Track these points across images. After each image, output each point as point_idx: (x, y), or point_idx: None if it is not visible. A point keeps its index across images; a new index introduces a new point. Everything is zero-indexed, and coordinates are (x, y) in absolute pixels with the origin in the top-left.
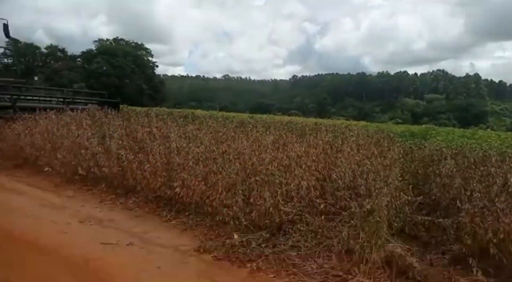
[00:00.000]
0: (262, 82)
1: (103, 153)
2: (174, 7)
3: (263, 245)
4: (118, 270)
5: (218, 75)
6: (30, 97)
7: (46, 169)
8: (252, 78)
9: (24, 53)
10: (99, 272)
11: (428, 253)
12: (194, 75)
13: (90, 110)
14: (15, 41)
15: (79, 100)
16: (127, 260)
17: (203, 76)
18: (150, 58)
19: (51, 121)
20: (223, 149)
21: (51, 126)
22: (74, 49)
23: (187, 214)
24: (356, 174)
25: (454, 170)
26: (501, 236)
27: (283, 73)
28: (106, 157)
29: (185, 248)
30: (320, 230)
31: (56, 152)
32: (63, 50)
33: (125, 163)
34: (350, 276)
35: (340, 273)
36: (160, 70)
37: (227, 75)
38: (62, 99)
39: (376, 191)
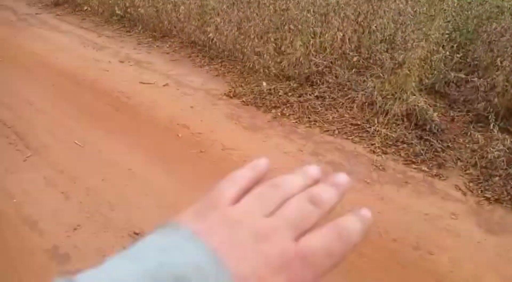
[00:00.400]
0: None
1: None
2: None
3: (290, 94)
4: (156, 107)
5: None
6: None
7: (86, 8)
8: None
9: None
10: (138, 107)
11: (453, 110)
12: None
13: None
14: None
15: None
16: (163, 99)
17: None
18: None
19: None
20: None
21: None
22: None
23: (219, 60)
24: (398, 25)
25: (507, 26)
26: None
27: None
28: None
29: (216, 92)
30: (348, 83)
31: None
32: None
33: (160, 4)
34: (368, 125)
35: (359, 122)
36: None
37: None
38: None
39: (414, 43)
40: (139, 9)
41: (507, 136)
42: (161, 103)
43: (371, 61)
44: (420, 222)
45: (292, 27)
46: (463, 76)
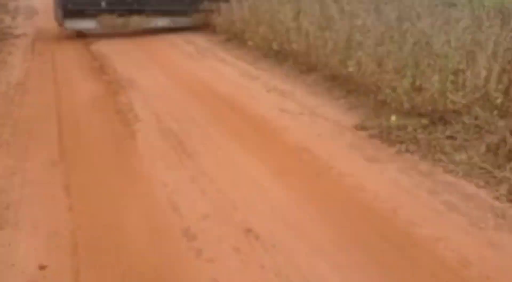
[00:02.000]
0: None
1: (294, 29)
2: None
3: (419, 130)
4: (290, 131)
5: None
6: None
7: (250, 43)
8: None
9: None
10: (272, 130)
11: None
12: None
13: None
14: None
15: None
16: (295, 125)
17: None
18: None
19: None
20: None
21: (258, 2)
22: None
23: (356, 94)
24: None
25: None
26: None
27: None
28: (297, 32)
29: (345, 124)
30: (487, 125)
31: (258, 27)
32: None
33: (311, 40)
34: (497, 171)
35: (488, 166)
36: None
37: None
38: None
39: None
40: (292, 44)
41: None
42: (293, 129)
43: None
44: None
45: (432, 62)
46: None
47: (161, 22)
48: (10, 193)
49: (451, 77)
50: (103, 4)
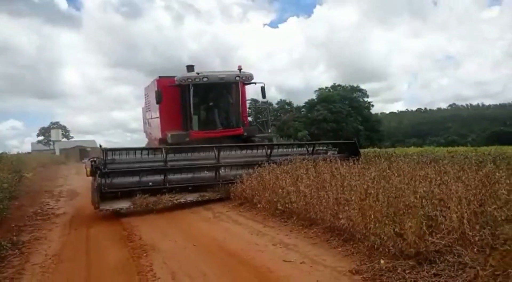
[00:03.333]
0: (500, 106)
1: (294, 191)
2: (389, 42)
3: (407, 271)
4: (290, 279)
5: (443, 105)
6: (281, 149)
7: (259, 205)
8: (486, 103)
9: (261, 110)
10: (277, 279)
11: None
12: (414, 109)
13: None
14: (254, 101)
15: (321, 148)
16: (297, 273)
17: (425, 108)
18: (365, 99)
19: (265, 169)
20: (383, 185)
21: (263, 172)
22: (299, 100)
23: (351, 243)
24: None
25: None
26: None
27: None
28: (297, 194)
29: (342, 269)
30: (470, 261)
31: (264, 192)
32: (290, 103)
33: (308, 199)
34: None
35: None
36: (377, 108)
37: (454, 103)
38: (306, 149)
39: None
40: (294, 204)
41: None
42: (294, 276)
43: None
44: None
45: (410, 211)
46: None
47: (191, 197)
48: None
49: (426, 222)
50: (151, 183)
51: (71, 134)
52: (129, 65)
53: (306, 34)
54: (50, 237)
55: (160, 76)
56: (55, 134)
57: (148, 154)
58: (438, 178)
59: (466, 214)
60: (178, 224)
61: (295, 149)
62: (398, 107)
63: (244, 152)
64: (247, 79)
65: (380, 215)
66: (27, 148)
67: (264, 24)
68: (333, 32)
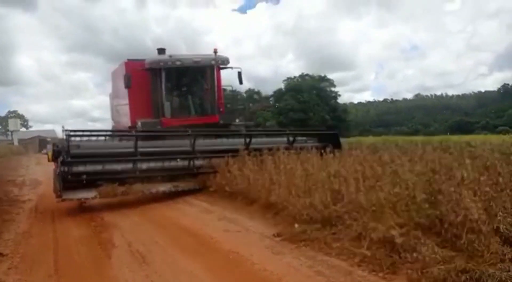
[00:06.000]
0: (462, 97)
1: (239, 175)
2: (356, 31)
3: (314, 232)
4: (228, 243)
5: (408, 95)
6: (261, 139)
7: (211, 189)
8: (450, 93)
9: (230, 99)
10: (218, 244)
11: None
12: (381, 99)
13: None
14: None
15: (302, 138)
16: (232, 239)
17: (391, 99)
18: (332, 89)
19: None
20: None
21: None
22: (268, 89)
23: (281, 215)
24: None
25: None
26: None
27: (490, 83)
28: (241, 178)
29: (268, 234)
30: (361, 222)
31: (215, 177)
32: (258, 92)
33: (250, 181)
34: (357, 250)
35: (352, 248)
36: (345, 98)
37: (419, 94)
38: (287, 139)
39: None
40: (238, 186)
41: None
42: (229, 241)
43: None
44: None
45: (318, 186)
46: None
47: (163, 187)
48: None
49: (332, 195)
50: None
51: (29, 124)
52: (88, 50)
53: (274, 21)
54: (18, 219)
55: (129, 59)
56: (13, 124)
57: (117, 140)
58: (350, 160)
59: (362, 188)
60: (137, 207)
61: (275, 139)
62: (366, 97)
63: (220, 140)
64: (223, 63)
65: (300, 191)
66: None
67: (233, 9)
68: (302, 20)
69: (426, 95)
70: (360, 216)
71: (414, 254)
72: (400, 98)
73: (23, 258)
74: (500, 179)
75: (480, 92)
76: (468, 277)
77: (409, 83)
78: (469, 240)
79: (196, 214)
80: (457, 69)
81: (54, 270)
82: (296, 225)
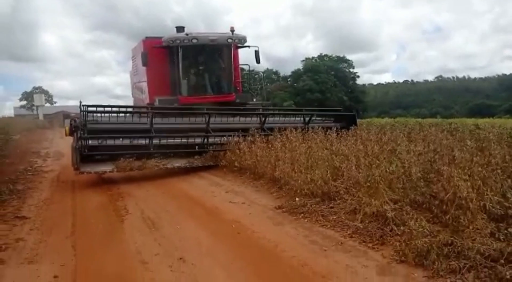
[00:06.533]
0: (485, 79)
1: (248, 152)
2: (377, 11)
3: (314, 206)
4: (232, 213)
5: (430, 77)
6: (277, 118)
7: (222, 164)
8: (472, 76)
9: (247, 78)
10: (223, 214)
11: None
12: (401, 80)
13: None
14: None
15: (316, 118)
16: (237, 209)
17: (411, 80)
18: (351, 70)
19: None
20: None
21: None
22: (286, 70)
23: (284, 189)
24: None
25: None
26: None
27: None
28: (250, 155)
29: (270, 206)
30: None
31: (226, 153)
32: (276, 72)
33: (258, 158)
34: (351, 222)
35: (347, 221)
36: (364, 79)
37: (440, 76)
38: (303, 119)
39: None
40: (247, 161)
41: None
42: (234, 211)
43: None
44: None
45: (319, 163)
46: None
47: (178, 163)
48: (38, 252)
49: (332, 171)
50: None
51: (54, 100)
52: (110, 28)
53: (294, 1)
54: (41, 187)
55: (147, 37)
56: (38, 99)
57: (133, 117)
58: (353, 139)
59: (362, 165)
60: (152, 180)
61: (291, 118)
62: (386, 78)
63: (236, 119)
64: (240, 42)
65: (302, 167)
66: (9, 112)
67: None
68: (321, 0)
69: (448, 78)
70: (355, 192)
71: (402, 227)
72: (421, 80)
73: (44, 221)
74: (492, 160)
75: (504, 75)
76: (450, 249)
77: (431, 65)
78: (455, 215)
79: (206, 186)
80: (481, 51)
81: (71, 232)
82: (297, 199)
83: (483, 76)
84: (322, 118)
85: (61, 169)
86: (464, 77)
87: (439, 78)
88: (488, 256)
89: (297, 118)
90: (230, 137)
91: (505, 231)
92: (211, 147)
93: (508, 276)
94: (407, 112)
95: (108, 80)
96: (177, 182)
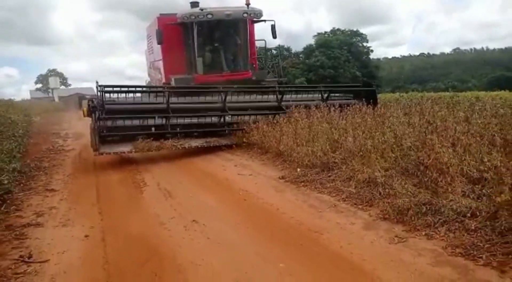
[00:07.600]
0: (504, 51)
1: (255, 128)
2: None
3: (314, 176)
4: (240, 183)
5: (447, 50)
6: (294, 95)
7: (234, 141)
8: (491, 47)
9: (262, 54)
10: (232, 184)
11: None
12: (417, 53)
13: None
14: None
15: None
16: (244, 180)
17: (428, 53)
18: (365, 44)
19: None
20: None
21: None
22: (298, 45)
23: (288, 162)
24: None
25: None
26: None
27: None
28: (257, 130)
29: (275, 177)
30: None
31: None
32: (288, 49)
33: (265, 133)
34: (345, 188)
35: (342, 187)
36: (379, 53)
37: (458, 48)
38: (320, 96)
39: None
40: (254, 137)
41: None
42: (241, 182)
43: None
44: None
45: (319, 137)
46: None
47: (195, 143)
48: (70, 217)
49: (331, 144)
50: (153, 129)
51: (68, 82)
52: (119, 8)
53: None
54: (65, 164)
55: (161, 14)
56: (53, 82)
57: (149, 96)
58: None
59: (359, 138)
60: (166, 155)
61: (308, 95)
62: (401, 51)
63: (252, 96)
64: (256, 16)
65: (304, 141)
66: (25, 95)
67: None
68: None
69: (465, 50)
70: (350, 161)
71: (388, 190)
72: (437, 52)
73: (71, 193)
74: (472, 129)
75: None
76: (428, 208)
77: (448, 37)
78: (434, 178)
79: (217, 161)
80: (501, 20)
81: (96, 201)
82: (298, 170)
83: (502, 47)
84: (340, 94)
85: (82, 148)
86: (482, 48)
87: (456, 51)
88: (459, 213)
89: (315, 95)
90: (246, 117)
91: (479, 192)
92: (228, 127)
93: (473, 227)
94: (423, 87)
95: (120, 61)
96: (190, 158)
